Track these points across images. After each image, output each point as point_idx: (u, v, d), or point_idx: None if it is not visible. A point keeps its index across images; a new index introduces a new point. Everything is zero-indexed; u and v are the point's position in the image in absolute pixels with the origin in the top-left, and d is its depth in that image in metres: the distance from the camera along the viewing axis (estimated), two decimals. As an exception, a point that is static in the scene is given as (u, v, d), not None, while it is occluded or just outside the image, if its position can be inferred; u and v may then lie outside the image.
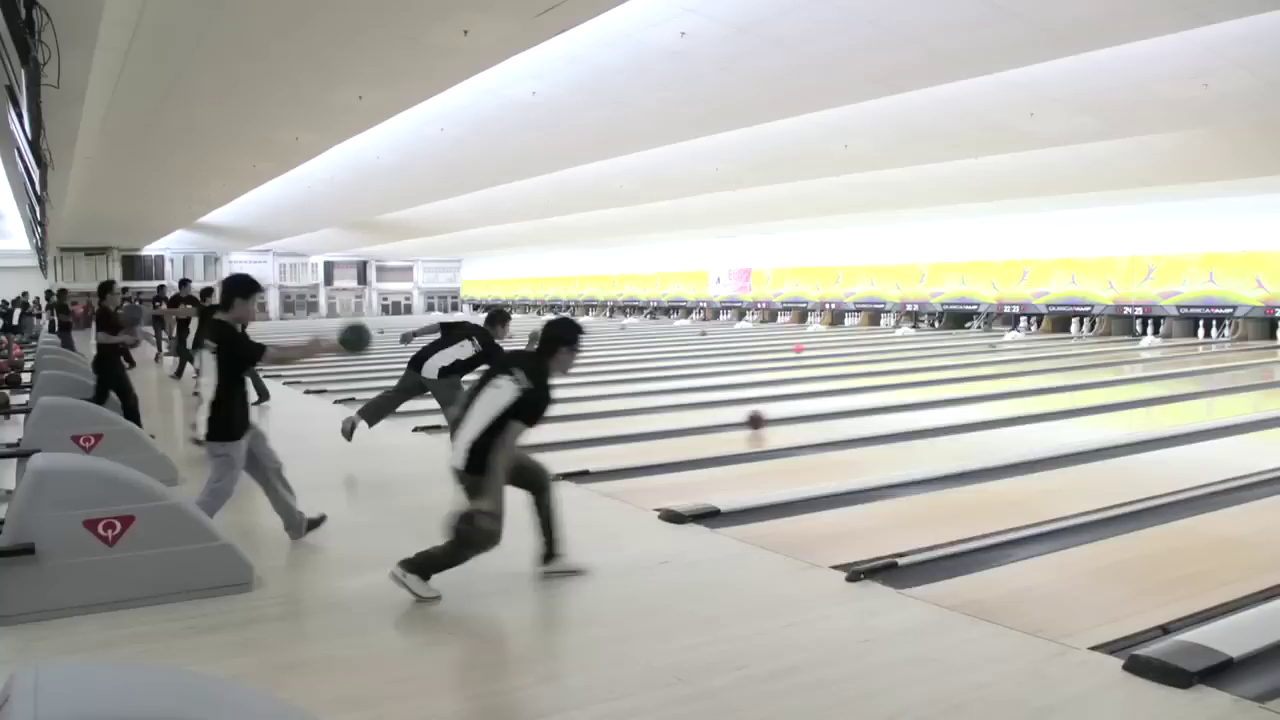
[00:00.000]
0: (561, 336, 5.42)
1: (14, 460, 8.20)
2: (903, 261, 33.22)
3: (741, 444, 10.32)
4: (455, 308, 60.53)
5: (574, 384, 15.53)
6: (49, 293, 38.56)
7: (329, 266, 58.14)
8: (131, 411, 10.64)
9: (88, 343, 19.74)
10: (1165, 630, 4.62)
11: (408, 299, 61.19)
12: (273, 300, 54.49)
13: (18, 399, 12.70)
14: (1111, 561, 5.98)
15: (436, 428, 10.90)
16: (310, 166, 22.92)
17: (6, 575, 4.89)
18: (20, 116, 9.56)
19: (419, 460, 9.66)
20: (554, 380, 5.38)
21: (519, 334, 10.62)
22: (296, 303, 56.90)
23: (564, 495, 7.75)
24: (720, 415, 12.10)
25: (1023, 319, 29.76)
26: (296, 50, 12.61)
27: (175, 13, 10.92)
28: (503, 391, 5.24)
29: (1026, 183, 23.92)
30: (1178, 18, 12.00)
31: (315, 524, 6.58)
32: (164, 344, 22.37)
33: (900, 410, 13.05)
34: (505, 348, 9.19)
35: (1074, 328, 28.60)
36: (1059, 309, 29.04)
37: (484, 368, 6.61)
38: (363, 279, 59.82)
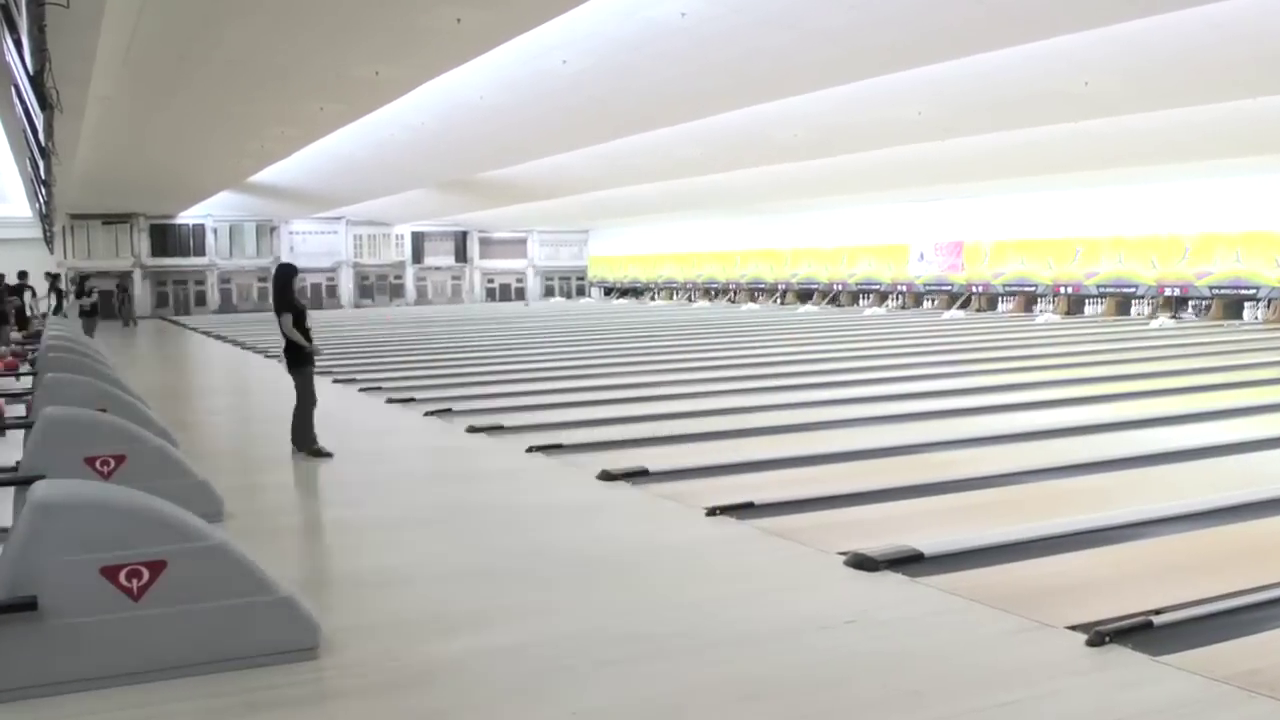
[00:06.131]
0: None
1: (11, 489, 8.04)
2: (1159, 232, 32.52)
3: (950, 468, 10.08)
4: (581, 292, 60.54)
5: (731, 392, 15.57)
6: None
7: (418, 239, 57.89)
8: None
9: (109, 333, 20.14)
10: None
11: (519, 280, 60.90)
12: (345, 282, 54.51)
13: (14, 410, 12.60)
14: None
15: (556, 447, 11.08)
16: (393, 109, 23.28)
17: (3, 637, 4.88)
18: (18, 44, 9.46)
19: (533, 487, 9.67)
20: None
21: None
22: (376, 285, 56.28)
23: (723, 534, 7.80)
24: (922, 431, 11.97)
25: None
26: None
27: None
28: None
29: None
30: None
31: None
32: None
33: (1155, 425, 12.81)
34: None
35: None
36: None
37: None
38: (462, 255, 59.48)
